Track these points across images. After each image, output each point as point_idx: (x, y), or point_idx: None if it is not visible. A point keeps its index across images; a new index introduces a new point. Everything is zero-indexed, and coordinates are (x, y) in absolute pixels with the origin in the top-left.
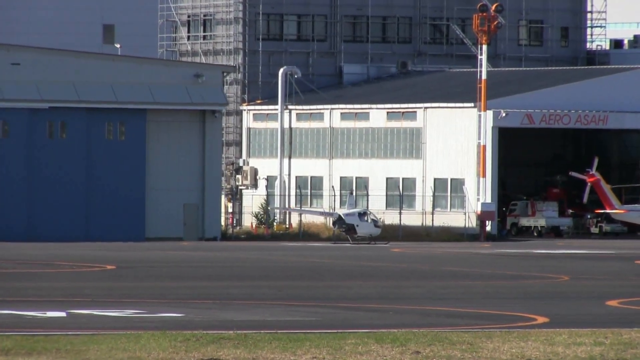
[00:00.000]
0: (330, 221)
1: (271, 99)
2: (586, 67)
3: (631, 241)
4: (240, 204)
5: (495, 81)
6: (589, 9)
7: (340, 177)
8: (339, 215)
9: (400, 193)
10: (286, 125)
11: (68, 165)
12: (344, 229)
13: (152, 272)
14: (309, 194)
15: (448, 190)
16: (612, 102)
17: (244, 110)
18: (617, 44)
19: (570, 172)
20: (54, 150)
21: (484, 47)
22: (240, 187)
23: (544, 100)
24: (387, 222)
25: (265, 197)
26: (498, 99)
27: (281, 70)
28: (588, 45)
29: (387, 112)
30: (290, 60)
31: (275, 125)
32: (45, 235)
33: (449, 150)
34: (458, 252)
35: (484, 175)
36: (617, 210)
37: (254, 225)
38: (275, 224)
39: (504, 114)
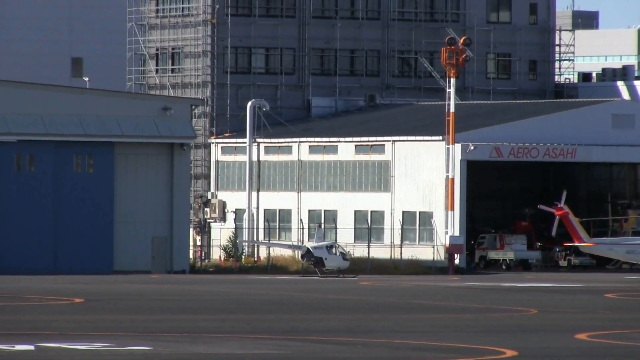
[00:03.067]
0: (298, 254)
1: (239, 132)
2: (554, 100)
3: (600, 274)
4: (209, 237)
5: (463, 114)
6: (557, 42)
7: (309, 210)
8: (307, 248)
9: (368, 226)
10: (254, 158)
11: (36, 198)
12: (312, 262)
13: (121, 305)
14: (277, 227)
15: (416, 224)
16: (581, 135)
17: (213, 143)
18: (585, 77)
19: (538, 205)
20: (22, 183)
21: (452, 80)
22: (208, 220)
23: (512, 133)
24: (356, 255)
25: (233, 230)
26: (466, 132)
27: (249, 103)
28: (556, 78)
29: (356, 145)
30: (259, 93)
31: (244, 158)
32: (13, 267)
33: (417, 183)
34: (426, 285)
35: (453, 209)
36: (586, 244)
37: (222, 259)
38: (243, 257)
39: (472, 147)
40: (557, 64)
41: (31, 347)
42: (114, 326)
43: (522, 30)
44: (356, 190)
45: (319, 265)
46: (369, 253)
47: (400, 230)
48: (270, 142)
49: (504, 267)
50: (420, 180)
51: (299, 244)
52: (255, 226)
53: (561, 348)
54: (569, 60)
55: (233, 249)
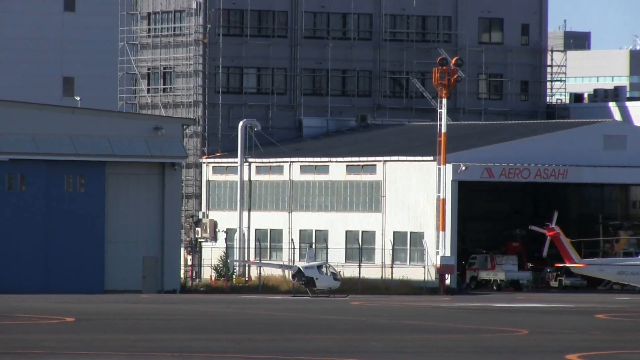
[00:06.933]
0: (289, 274)
1: (231, 152)
2: (546, 121)
3: (590, 295)
4: (200, 257)
5: (454, 135)
6: (548, 63)
7: (300, 230)
8: (298, 268)
9: (359, 246)
10: (246, 178)
11: (27, 218)
12: (303, 282)
13: (111, 324)
14: (268, 246)
15: (407, 244)
16: (572, 156)
17: (204, 162)
18: (577, 97)
19: (529, 226)
20: (13, 202)
21: (444, 100)
22: (199, 240)
23: (503, 154)
24: (347, 275)
25: (224, 249)
26: (458, 152)
27: (241, 123)
28: (548, 99)
29: (347, 165)
30: (250, 113)
31: (235, 178)
32: (4, 286)
33: (408, 203)
34: (417, 306)
35: (444, 229)
36: (577, 264)
37: (213, 278)
38: (234, 276)
39: (463, 168)
40: (548, 85)
41: None
42: (105, 345)
43: (514, 51)
44: (347, 210)
45: (309, 285)
46: (360, 273)
47: (391, 251)
48: (262, 162)
49: (494, 287)
50: (411, 200)
51: (290, 263)
52: (246, 246)
53: None
54: (560, 80)
55: (224, 269)
